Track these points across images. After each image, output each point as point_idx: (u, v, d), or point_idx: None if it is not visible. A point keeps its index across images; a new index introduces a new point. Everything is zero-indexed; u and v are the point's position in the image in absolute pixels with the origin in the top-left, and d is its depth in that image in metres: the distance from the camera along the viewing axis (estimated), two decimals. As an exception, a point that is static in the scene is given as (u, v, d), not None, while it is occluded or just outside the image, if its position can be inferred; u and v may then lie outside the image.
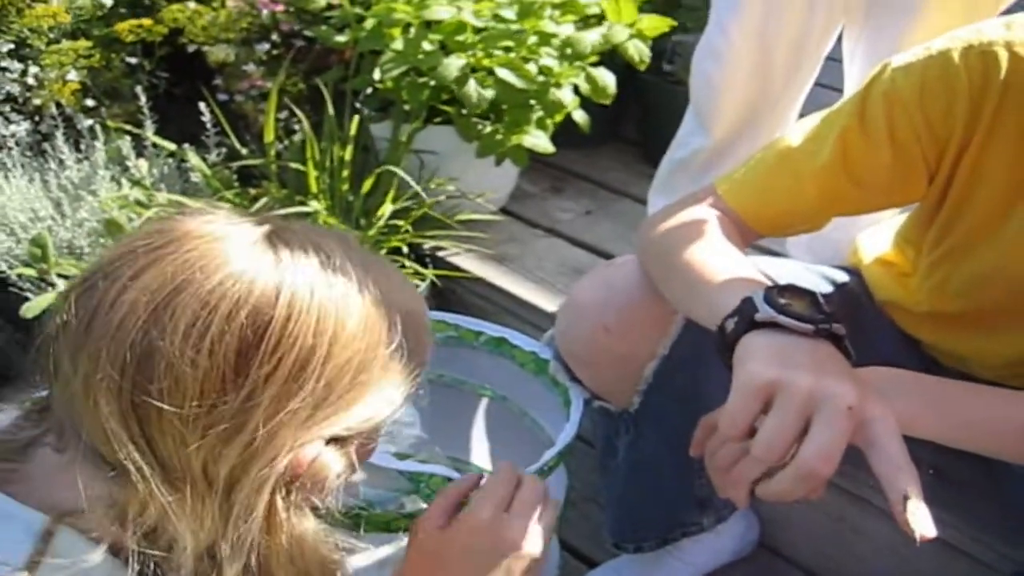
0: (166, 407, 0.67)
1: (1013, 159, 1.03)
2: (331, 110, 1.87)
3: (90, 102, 2.05)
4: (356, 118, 1.85)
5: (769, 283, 0.91)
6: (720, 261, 1.01)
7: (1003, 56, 0.99)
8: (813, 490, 0.81)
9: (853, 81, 1.58)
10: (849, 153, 1.08)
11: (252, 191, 1.92)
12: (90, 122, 1.98)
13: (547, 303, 1.78)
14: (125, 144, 1.92)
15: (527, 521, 0.90)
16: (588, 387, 1.28)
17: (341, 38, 1.95)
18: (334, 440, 0.75)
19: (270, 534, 0.73)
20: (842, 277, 1.33)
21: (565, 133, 1.92)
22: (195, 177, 1.93)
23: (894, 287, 1.29)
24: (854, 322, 1.24)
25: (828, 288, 1.30)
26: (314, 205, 1.75)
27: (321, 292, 0.72)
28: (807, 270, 1.33)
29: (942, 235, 1.14)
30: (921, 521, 0.78)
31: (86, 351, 0.69)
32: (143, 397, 0.67)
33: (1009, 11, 1.24)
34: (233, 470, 0.70)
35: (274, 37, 2.09)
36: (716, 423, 0.94)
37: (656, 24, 1.82)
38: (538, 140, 1.80)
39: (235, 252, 0.71)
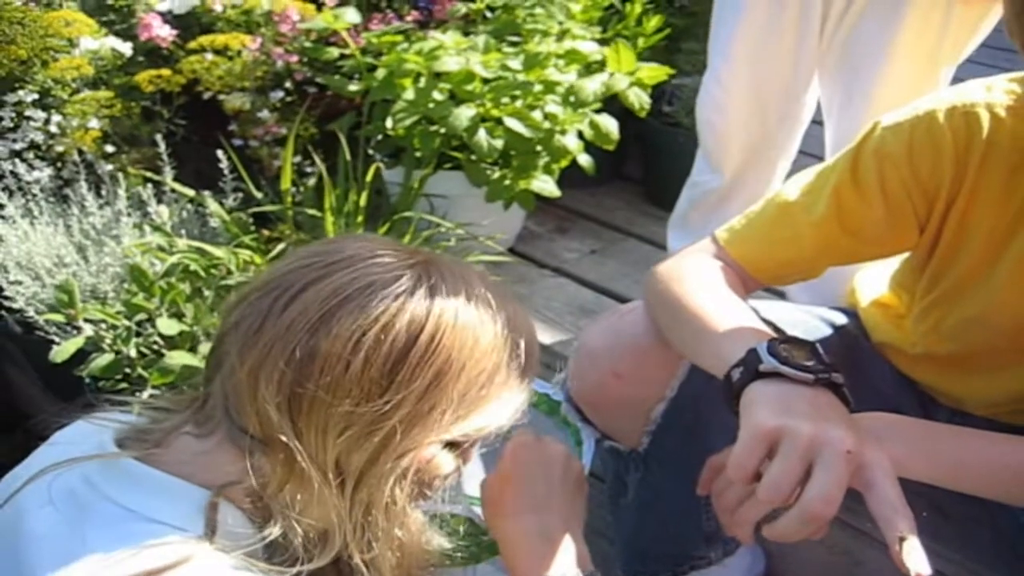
0: (320, 399, 0.77)
1: (997, 212, 1.08)
2: (348, 155, 1.93)
3: (110, 148, 2.11)
4: (374, 166, 1.91)
5: (772, 333, 0.96)
6: (724, 311, 1.06)
7: (984, 117, 1.06)
8: (817, 530, 0.85)
9: (832, 133, 1.67)
10: (843, 206, 1.13)
11: (267, 233, 1.99)
12: (110, 167, 2.04)
13: (556, 341, 1.83)
14: (145, 190, 1.98)
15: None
16: (599, 428, 1.31)
17: (354, 87, 2.01)
18: (451, 444, 0.86)
19: (388, 522, 0.83)
20: (840, 319, 1.38)
21: (570, 174, 1.98)
22: (213, 222, 1.99)
23: (890, 329, 1.34)
24: (852, 362, 1.30)
25: (827, 330, 1.35)
26: (330, 249, 1.81)
27: (463, 315, 0.82)
28: (806, 312, 1.37)
29: (933, 283, 1.19)
30: (916, 560, 0.83)
31: (257, 347, 0.79)
32: (302, 388, 0.77)
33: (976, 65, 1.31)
34: (366, 463, 0.80)
35: (288, 85, 2.15)
36: (722, 463, 0.98)
37: (655, 73, 1.89)
38: (545, 185, 1.87)
39: (395, 274, 0.82)
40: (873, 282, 1.39)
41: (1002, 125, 1.05)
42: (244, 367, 0.79)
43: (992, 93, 1.07)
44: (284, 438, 0.78)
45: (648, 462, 1.32)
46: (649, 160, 2.36)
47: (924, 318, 1.23)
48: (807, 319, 1.36)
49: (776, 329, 1.08)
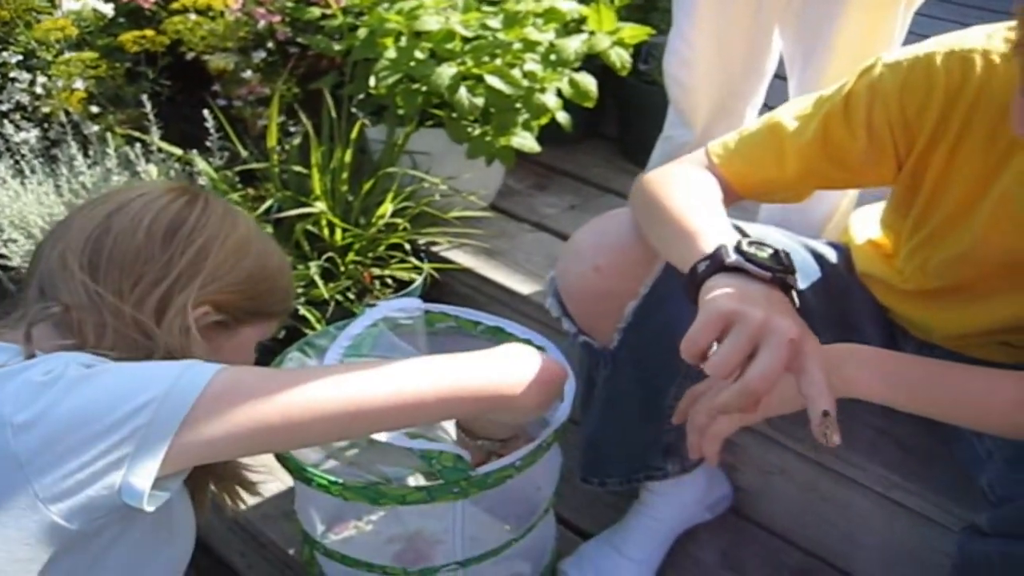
0: (115, 261, 1.05)
1: (983, 155, 1.14)
2: (333, 114, 1.97)
3: (96, 108, 2.14)
4: (358, 123, 1.95)
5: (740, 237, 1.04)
6: (702, 215, 1.13)
7: (979, 62, 1.11)
8: (750, 406, 0.94)
9: (795, 85, 1.73)
10: (829, 135, 1.21)
11: (254, 191, 2.03)
12: (97, 128, 2.08)
13: (535, 292, 1.88)
14: (133, 150, 2.02)
15: None
16: (577, 323, 1.39)
17: (336, 47, 2.05)
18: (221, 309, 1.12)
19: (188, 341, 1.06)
20: (828, 251, 1.46)
21: (548, 132, 2.02)
22: (202, 180, 2.03)
23: (879, 265, 1.41)
24: (834, 290, 1.41)
25: (811, 258, 1.43)
26: (318, 206, 1.86)
27: (223, 212, 1.14)
28: (795, 240, 1.45)
29: (919, 224, 1.26)
30: (831, 434, 0.93)
31: (65, 235, 1.06)
32: (99, 257, 1.05)
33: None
34: (156, 311, 1.05)
35: (270, 45, 2.18)
36: (700, 392, 1.09)
37: (636, 32, 1.94)
38: (525, 141, 1.91)
39: (174, 185, 1.15)
40: (867, 223, 1.47)
41: (995, 71, 1.10)
42: (55, 251, 1.05)
43: (991, 40, 1.12)
44: (90, 298, 1.03)
45: (616, 360, 1.39)
46: (625, 118, 2.40)
47: (912, 257, 1.30)
48: (792, 245, 1.44)
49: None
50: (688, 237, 1.08)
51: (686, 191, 1.20)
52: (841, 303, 1.43)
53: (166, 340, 1.05)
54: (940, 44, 1.15)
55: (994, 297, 1.24)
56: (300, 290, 1.81)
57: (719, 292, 0.97)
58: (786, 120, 1.24)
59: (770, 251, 1.01)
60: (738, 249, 1.00)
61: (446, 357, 1.10)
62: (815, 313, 1.37)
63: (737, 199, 1.28)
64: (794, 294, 1.00)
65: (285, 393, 0.97)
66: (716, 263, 1.00)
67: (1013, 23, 1.11)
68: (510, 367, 1.12)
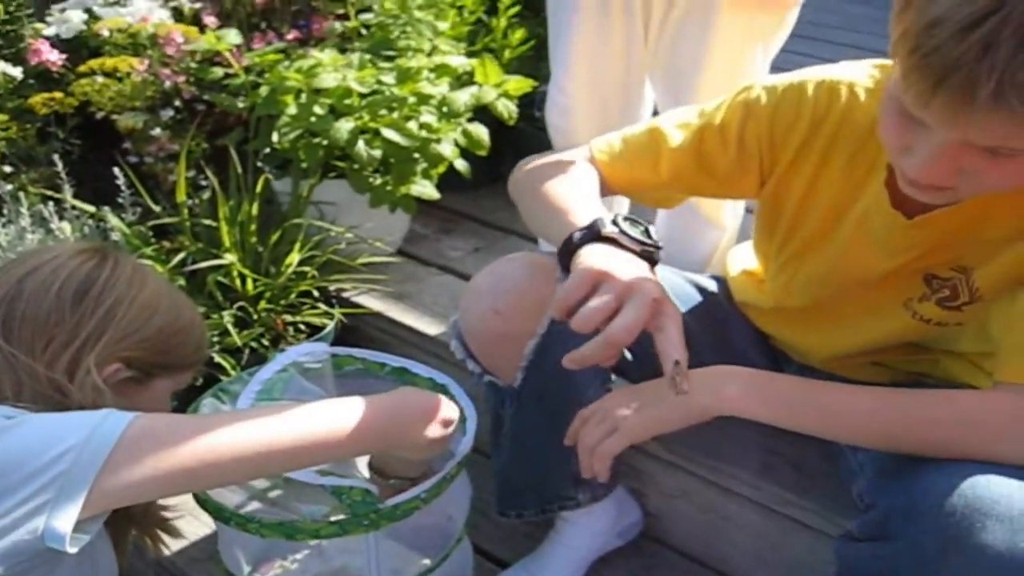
0: (27, 321, 1.13)
1: (843, 180, 1.23)
2: (239, 169, 2.04)
3: (8, 168, 2.19)
4: (262, 177, 2.03)
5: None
6: (581, 196, 1.23)
7: (844, 93, 1.21)
8: (611, 357, 1.04)
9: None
10: (703, 145, 1.30)
11: (167, 244, 2.09)
12: (10, 187, 2.12)
13: (442, 333, 1.94)
14: (47, 208, 2.07)
15: None
16: (481, 363, 1.45)
17: (240, 104, 2.14)
18: (134, 365, 1.21)
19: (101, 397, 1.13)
20: (708, 283, 1.57)
21: (451, 178, 2.10)
22: (115, 236, 2.09)
23: (752, 291, 1.51)
24: (714, 319, 1.51)
25: (693, 291, 1.53)
26: (228, 257, 1.94)
27: (132, 273, 1.22)
28: (677, 275, 1.55)
29: (785, 243, 1.35)
30: (681, 382, 1.04)
31: None
32: (12, 318, 1.13)
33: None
34: (67, 370, 1.13)
35: (177, 103, 2.24)
36: (590, 415, 1.19)
37: (520, 85, 2.05)
38: (424, 189, 2.01)
39: (82, 246, 1.23)
40: (742, 254, 1.57)
41: (858, 102, 1.20)
42: None
43: (858, 74, 1.22)
44: (5, 358, 1.11)
45: (521, 398, 1.44)
46: (522, 162, 2.51)
47: (778, 276, 1.39)
48: (677, 280, 1.54)
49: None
50: (567, 213, 1.18)
51: (567, 177, 1.30)
52: (724, 330, 1.52)
53: (79, 397, 1.12)
54: (814, 74, 1.25)
55: (860, 320, 1.33)
56: (215, 338, 1.88)
57: (592, 255, 1.07)
58: (666, 127, 1.33)
59: (642, 228, 1.12)
60: (614, 222, 1.11)
61: (347, 399, 1.18)
62: (701, 340, 1.43)
63: (612, 193, 1.37)
64: (657, 269, 1.11)
65: (198, 436, 1.04)
66: (593, 232, 1.10)
67: (878, 61, 1.23)
68: (403, 407, 1.21)
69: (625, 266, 1.06)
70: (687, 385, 1.03)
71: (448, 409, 1.26)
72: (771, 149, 1.27)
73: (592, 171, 1.34)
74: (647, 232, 1.13)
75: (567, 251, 1.11)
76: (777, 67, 1.76)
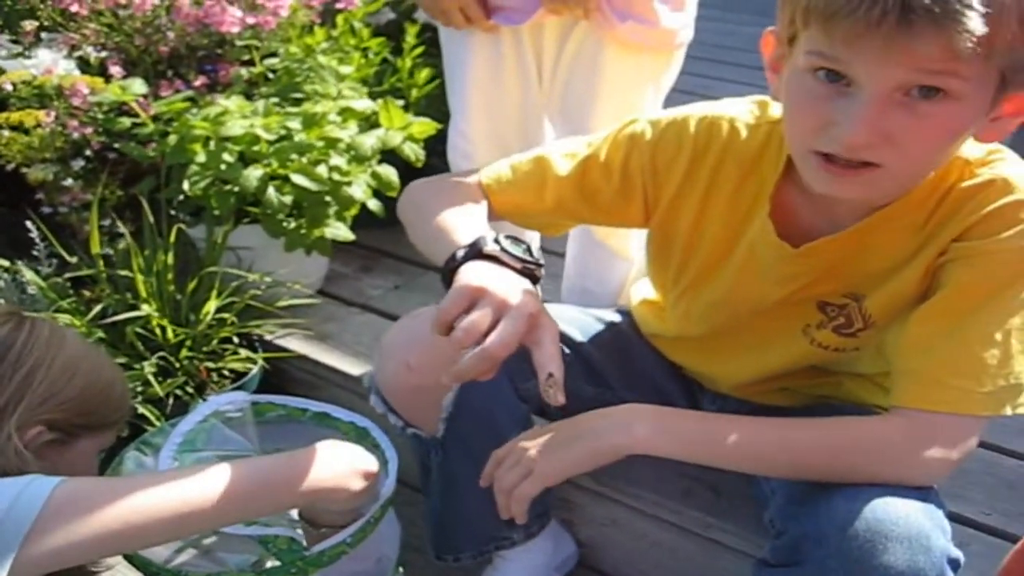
0: None
1: (729, 210, 1.28)
2: (151, 218, 2.04)
3: (-85, 224, 2.17)
4: (175, 228, 2.03)
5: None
6: (465, 217, 1.25)
7: (725, 128, 1.27)
8: (488, 371, 1.04)
9: None
10: (587, 175, 1.34)
11: (87, 294, 2.09)
12: (-81, 243, 2.11)
13: (365, 372, 1.94)
14: (-42, 264, 2.06)
15: None
16: (402, 416, 1.46)
17: (151, 152, 2.15)
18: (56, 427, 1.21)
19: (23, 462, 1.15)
20: (614, 317, 1.61)
21: (367, 216, 2.12)
22: (31, 289, 2.08)
23: (655, 321, 1.54)
24: (624, 352, 1.55)
25: (600, 326, 1.57)
26: (145, 308, 1.95)
27: (50, 337, 1.23)
28: (582, 312, 1.60)
29: (679, 273, 1.38)
30: (556, 393, 1.04)
31: None
32: None
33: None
34: None
35: (88, 153, 2.24)
36: (504, 456, 1.22)
37: (425, 128, 2.10)
38: (338, 231, 2.04)
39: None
40: (643, 287, 1.60)
41: (738, 136, 1.26)
42: None
43: (738, 110, 1.28)
44: None
45: (446, 447, 1.47)
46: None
47: (677, 305, 1.42)
48: (583, 317, 1.58)
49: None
50: (452, 232, 1.20)
51: (453, 199, 1.31)
52: (633, 363, 1.56)
53: (1, 463, 1.13)
54: (696, 109, 1.30)
55: (760, 347, 1.37)
56: (138, 389, 1.88)
57: (472, 272, 1.09)
58: (553, 156, 1.36)
59: (524, 247, 1.15)
60: (495, 240, 1.13)
61: (272, 457, 1.22)
62: (612, 374, 1.53)
63: (498, 219, 1.39)
64: (538, 286, 1.13)
65: (123, 501, 1.06)
66: (475, 250, 1.12)
67: (756, 98, 1.29)
68: (329, 463, 1.24)
69: (503, 283, 1.07)
70: (562, 397, 1.04)
71: (366, 461, 1.29)
72: (654, 179, 1.32)
73: (479, 195, 1.36)
74: (528, 251, 1.15)
75: (449, 269, 1.13)
76: (683, 90, 1.86)
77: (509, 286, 1.07)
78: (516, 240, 1.16)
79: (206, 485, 1.14)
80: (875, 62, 0.98)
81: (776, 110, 1.27)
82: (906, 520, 1.05)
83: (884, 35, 0.95)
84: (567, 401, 1.06)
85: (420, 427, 1.47)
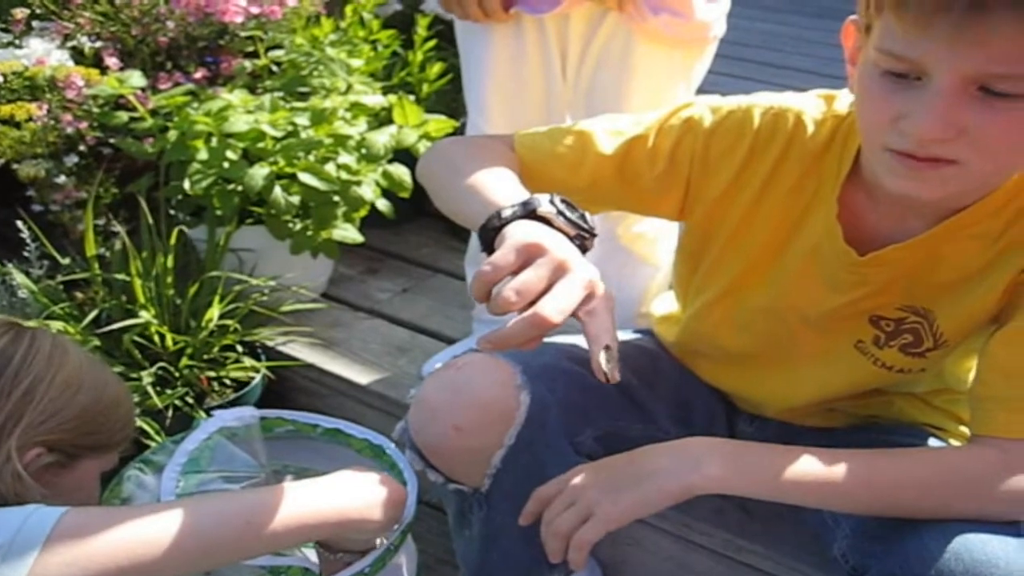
0: None
1: (783, 209, 1.21)
2: (149, 218, 1.96)
3: (-99, 225, 2.09)
4: (176, 229, 1.95)
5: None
6: (507, 183, 1.12)
7: (792, 120, 1.19)
8: (535, 339, 0.91)
9: None
10: (631, 154, 1.24)
11: (80, 296, 2.00)
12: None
13: (373, 381, 1.90)
14: (-53, 267, 1.98)
15: None
16: (443, 473, 1.34)
17: (149, 148, 2.06)
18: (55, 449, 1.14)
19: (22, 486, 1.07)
20: (636, 338, 1.52)
21: (374, 216, 2.05)
22: (22, 293, 1.99)
23: (687, 337, 1.43)
24: (657, 374, 1.44)
25: (630, 349, 1.43)
26: (144, 315, 1.86)
27: (50, 352, 1.15)
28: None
29: (713, 274, 1.30)
30: (611, 368, 0.93)
31: None
32: None
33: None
34: None
35: (82, 149, 2.15)
36: (548, 495, 1.14)
37: (442, 125, 2.01)
38: (346, 232, 1.96)
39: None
40: (667, 300, 1.53)
41: (804, 131, 1.19)
42: None
43: (805, 103, 1.21)
44: None
45: (491, 500, 1.36)
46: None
47: (711, 311, 1.33)
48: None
49: None
50: (491, 192, 1.08)
51: (490, 159, 1.20)
52: (664, 380, 1.46)
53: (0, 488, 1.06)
54: (763, 99, 1.23)
55: (813, 367, 1.29)
56: (135, 400, 1.80)
57: (523, 231, 0.97)
58: (597, 132, 1.26)
59: (579, 212, 1.04)
60: (551, 202, 1.02)
61: (295, 486, 1.13)
62: (650, 402, 1.43)
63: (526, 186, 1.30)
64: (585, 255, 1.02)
65: (131, 534, 0.99)
66: (527, 209, 1.01)
67: (822, 91, 1.21)
68: (355, 493, 1.17)
69: (563, 244, 0.96)
70: (619, 374, 0.95)
71: (399, 490, 1.23)
72: (704, 169, 1.24)
73: (514, 161, 1.25)
74: (583, 217, 1.03)
75: (494, 227, 1.01)
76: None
77: (568, 248, 0.96)
78: (571, 205, 1.04)
79: (231, 516, 1.07)
80: (946, 48, 0.91)
81: (841, 105, 1.20)
82: (1006, 561, 0.99)
83: (955, 19, 0.89)
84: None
85: (461, 481, 1.37)
